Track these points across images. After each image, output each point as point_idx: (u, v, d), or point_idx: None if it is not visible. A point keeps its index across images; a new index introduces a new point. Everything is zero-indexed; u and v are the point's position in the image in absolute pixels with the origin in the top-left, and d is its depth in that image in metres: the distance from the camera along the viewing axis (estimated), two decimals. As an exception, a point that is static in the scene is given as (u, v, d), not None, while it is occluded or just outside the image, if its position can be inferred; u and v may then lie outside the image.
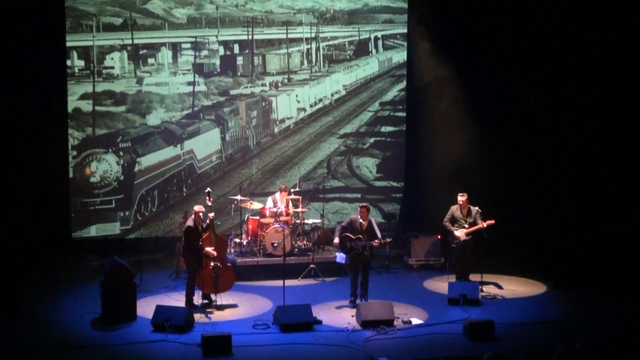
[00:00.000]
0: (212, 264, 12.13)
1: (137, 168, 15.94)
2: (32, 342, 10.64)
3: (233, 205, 14.91)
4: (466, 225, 13.23)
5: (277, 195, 14.71)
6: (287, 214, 14.44)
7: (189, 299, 12.15)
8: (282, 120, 17.15)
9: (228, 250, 13.67)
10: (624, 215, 14.68)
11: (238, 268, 13.67)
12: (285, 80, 17.08)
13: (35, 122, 14.75)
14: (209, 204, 12.45)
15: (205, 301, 12.28)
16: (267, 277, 13.87)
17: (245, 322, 11.51)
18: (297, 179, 15.84)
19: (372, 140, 17.44)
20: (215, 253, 12.15)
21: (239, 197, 14.53)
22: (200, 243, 12.08)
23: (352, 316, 11.62)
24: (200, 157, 16.46)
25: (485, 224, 13.05)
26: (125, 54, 16.07)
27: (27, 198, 14.55)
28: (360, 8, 17.22)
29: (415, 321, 11.53)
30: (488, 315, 11.59)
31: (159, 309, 11.22)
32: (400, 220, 17.14)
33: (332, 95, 17.49)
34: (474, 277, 13.24)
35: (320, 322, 11.37)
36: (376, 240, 12.18)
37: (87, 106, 15.87)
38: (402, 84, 17.42)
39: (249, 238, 14.62)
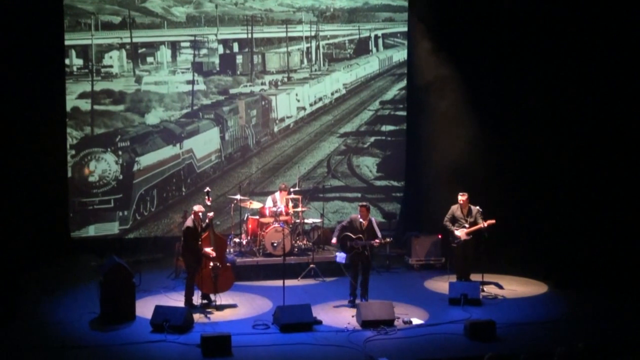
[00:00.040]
0: (211, 263, 12.09)
1: (136, 167, 15.90)
2: (31, 343, 10.60)
3: (232, 205, 14.87)
4: (466, 225, 13.18)
5: (277, 194, 14.67)
6: (287, 214, 14.40)
7: (188, 299, 12.11)
8: (282, 119, 17.11)
9: (227, 250, 13.63)
10: (626, 215, 14.66)
11: (237, 268, 13.63)
12: (285, 79, 17.04)
13: (34, 121, 14.70)
14: (208, 203, 12.41)
15: (205, 301, 12.25)
16: (267, 277, 13.84)
17: (244, 322, 11.48)
18: (297, 178, 15.81)
19: (372, 139, 17.40)
20: (214, 253, 12.11)
21: (238, 197, 14.50)
22: (200, 243, 12.03)
23: (353, 316, 11.59)
24: (199, 157, 16.42)
25: (485, 224, 13.01)
26: (124, 52, 16.03)
27: (25, 198, 14.52)
28: (360, 6, 17.18)
29: (416, 321, 11.50)
30: (489, 315, 11.57)
31: (158, 309, 11.19)
32: (401, 220, 17.11)
33: (332, 94, 17.45)
34: (475, 277, 13.21)
35: (320, 322, 11.34)
36: (376, 240, 12.17)
37: (85, 105, 15.84)
38: (403, 83, 17.38)
39: (249, 238, 14.58)
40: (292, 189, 14.99)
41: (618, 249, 14.32)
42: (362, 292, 12.28)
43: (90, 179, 15.81)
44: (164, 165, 16.12)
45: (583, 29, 14.83)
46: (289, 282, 12.92)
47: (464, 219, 13.24)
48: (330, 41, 17.26)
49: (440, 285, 13.51)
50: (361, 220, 12.28)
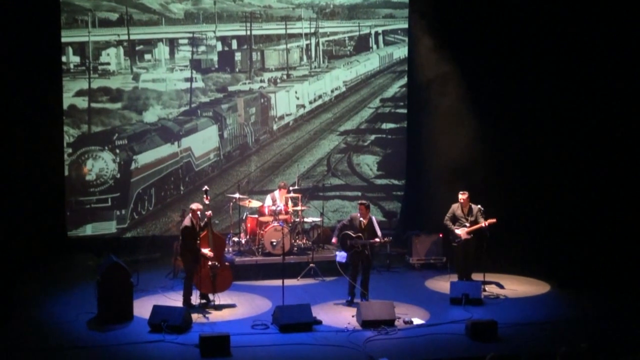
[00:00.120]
0: (210, 263, 12.01)
1: (133, 166, 15.84)
2: (27, 343, 10.56)
3: (231, 204, 14.80)
4: (467, 224, 13.10)
5: (276, 193, 14.59)
6: (287, 213, 14.34)
7: (187, 299, 12.06)
8: (281, 117, 17.03)
9: (226, 249, 13.56)
10: (628, 215, 14.64)
11: (236, 267, 13.57)
12: (284, 77, 16.97)
13: (30, 119, 14.67)
14: (207, 202, 12.36)
15: (203, 301, 12.20)
16: (266, 276, 13.79)
17: (243, 322, 11.44)
18: (296, 176, 15.76)
19: (372, 137, 17.33)
20: (211, 254, 12.04)
21: (237, 195, 14.43)
22: (198, 242, 11.93)
23: (353, 316, 11.53)
24: (197, 155, 16.35)
25: (486, 223, 12.94)
26: (121, 49, 15.96)
27: (22, 196, 14.48)
28: (360, 3, 17.11)
29: (417, 321, 11.46)
30: (491, 315, 11.54)
31: (156, 309, 11.16)
32: (401, 219, 17.05)
33: (332, 91, 17.38)
34: (476, 277, 13.16)
35: (320, 322, 11.30)
36: (376, 239, 12.13)
37: (82, 103, 15.79)
38: (403, 80, 17.31)
39: (248, 237, 14.51)
40: (291, 188, 14.91)
41: (620, 248, 14.30)
42: (363, 291, 12.20)
43: (88, 177, 15.75)
44: (162, 163, 16.06)
45: (585, 27, 14.81)
46: (289, 282, 12.87)
47: (465, 218, 13.16)
48: (330, 38, 17.17)
49: (441, 284, 13.46)
50: (361, 218, 12.21)
